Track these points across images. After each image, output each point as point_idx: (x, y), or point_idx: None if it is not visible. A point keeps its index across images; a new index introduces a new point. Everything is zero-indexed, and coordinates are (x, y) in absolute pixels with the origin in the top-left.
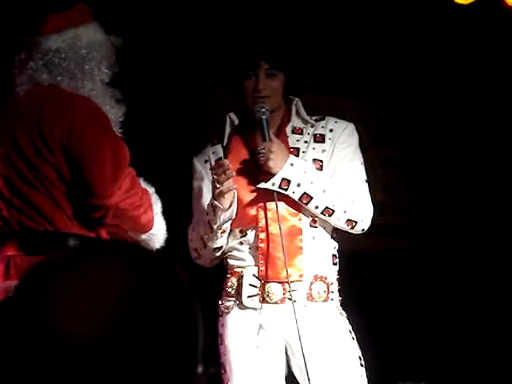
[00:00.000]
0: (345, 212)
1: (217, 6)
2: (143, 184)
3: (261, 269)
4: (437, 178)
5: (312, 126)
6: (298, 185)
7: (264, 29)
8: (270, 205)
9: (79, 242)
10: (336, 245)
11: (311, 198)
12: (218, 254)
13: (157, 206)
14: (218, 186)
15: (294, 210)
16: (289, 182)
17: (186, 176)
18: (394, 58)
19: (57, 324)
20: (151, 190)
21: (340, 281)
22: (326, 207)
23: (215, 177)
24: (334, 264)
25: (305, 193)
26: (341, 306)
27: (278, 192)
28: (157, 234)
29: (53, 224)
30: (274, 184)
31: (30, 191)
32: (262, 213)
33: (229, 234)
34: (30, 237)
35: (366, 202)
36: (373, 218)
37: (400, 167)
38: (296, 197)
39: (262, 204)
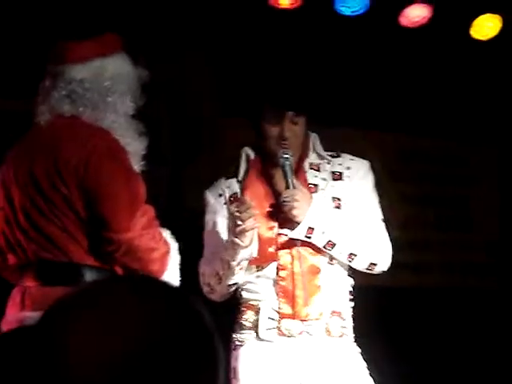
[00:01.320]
0: (367, 256)
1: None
2: (168, 237)
3: (280, 306)
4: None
5: (328, 163)
6: (323, 232)
7: (286, 77)
8: (291, 244)
9: (95, 274)
10: (352, 281)
11: (335, 244)
12: (233, 289)
13: (173, 261)
14: (240, 223)
15: (312, 250)
16: (313, 229)
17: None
18: (413, 90)
19: (70, 366)
20: (174, 245)
21: (354, 317)
22: (350, 253)
23: (237, 214)
24: (350, 300)
25: (329, 240)
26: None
27: (302, 240)
28: None
29: (67, 255)
30: (299, 233)
31: (46, 223)
32: (282, 251)
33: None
34: (46, 268)
35: (385, 244)
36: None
37: (417, 203)
38: (320, 244)
39: (282, 242)
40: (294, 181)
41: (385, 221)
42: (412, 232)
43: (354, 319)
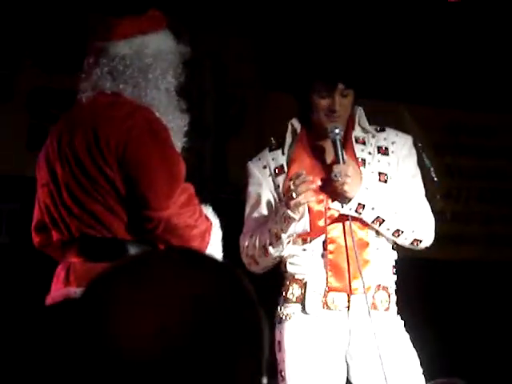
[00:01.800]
0: (413, 232)
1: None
2: (210, 215)
3: (329, 279)
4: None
5: (373, 137)
6: (372, 208)
7: (338, 51)
8: (340, 218)
9: (138, 249)
10: (395, 255)
11: (383, 220)
12: (276, 261)
13: (215, 237)
14: (295, 196)
15: (360, 224)
16: (363, 206)
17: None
18: (455, 64)
19: (119, 337)
20: (216, 221)
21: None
22: (397, 229)
23: (293, 187)
24: (394, 274)
25: (378, 216)
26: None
27: (352, 216)
28: None
29: (111, 231)
30: (350, 209)
31: (89, 200)
32: (331, 225)
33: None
34: (89, 244)
35: (430, 220)
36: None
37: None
38: (369, 220)
39: (330, 215)
40: (345, 156)
41: (427, 195)
42: (455, 204)
43: (396, 292)
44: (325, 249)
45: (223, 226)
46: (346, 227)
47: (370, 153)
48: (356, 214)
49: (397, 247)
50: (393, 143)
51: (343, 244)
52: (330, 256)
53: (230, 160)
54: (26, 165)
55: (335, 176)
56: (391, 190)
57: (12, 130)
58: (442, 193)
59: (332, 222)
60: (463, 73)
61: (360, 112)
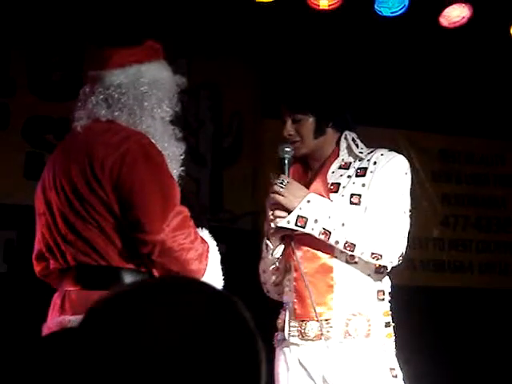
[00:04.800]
0: (368, 245)
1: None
2: (206, 236)
3: (295, 307)
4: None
5: (360, 160)
6: (316, 221)
7: (285, 74)
8: (298, 243)
9: (133, 277)
10: (384, 279)
11: (330, 232)
12: (276, 288)
13: (213, 258)
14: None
15: (326, 248)
16: (306, 219)
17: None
18: (453, 90)
19: (117, 364)
20: (213, 243)
21: (393, 316)
22: (347, 241)
23: (270, 212)
24: (381, 300)
25: (323, 228)
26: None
27: (295, 230)
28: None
29: (105, 259)
30: (289, 222)
31: (83, 226)
32: (296, 250)
33: (287, 270)
34: (84, 271)
35: (393, 234)
36: (406, 250)
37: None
38: (315, 233)
39: (293, 243)
40: (288, 174)
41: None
42: (452, 231)
43: (393, 319)
44: (292, 276)
45: (222, 254)
46: (305, 252)
47: (349, 176)
48: (298, 228)
49: (389, 273)
50: (374, 163)
51: (305, 271)
52: (294, 283)
53: (225, 187)
54: (22, 193)
55: (281, 183)
56: (362, 211)
57: (9, 158)
58: (439, 220)
59: (297, 248)
60: (462, 99)
61: (348, 137)
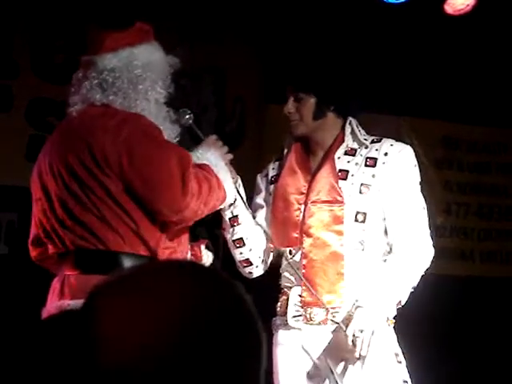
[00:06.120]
0: (417, 275)
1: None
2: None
3: (303, 294)
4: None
5: (366, 147)
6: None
7: (292, 53)
8: (311, 229)
9: (133, 261)
10: None
11: (400, 301)
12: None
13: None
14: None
15: (337, 236)
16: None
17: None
18: (456, 77)
19: (113, 349)
20: (208, 162)
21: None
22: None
23: None
24: None
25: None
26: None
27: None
28: None
29: (104, 243)
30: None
31: (82, 211)
32: (305, 237)
33: (281, 255)
34: (83, 256)
35: (424, 244)
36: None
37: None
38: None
39: (305, 227)
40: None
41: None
42: (454, 219)
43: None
44: (301, 263)
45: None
46: (316, 239)
47: (356, 163)
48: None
49: None
50: (385, 154)
51: (315, 258)
52: (303, 270)
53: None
54: (24, 175)
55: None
56: (372, 201)
57: (11, 140)
58: (441, 208)
59: (306, 234)
60: (465, 87)
61: (352, 123)
